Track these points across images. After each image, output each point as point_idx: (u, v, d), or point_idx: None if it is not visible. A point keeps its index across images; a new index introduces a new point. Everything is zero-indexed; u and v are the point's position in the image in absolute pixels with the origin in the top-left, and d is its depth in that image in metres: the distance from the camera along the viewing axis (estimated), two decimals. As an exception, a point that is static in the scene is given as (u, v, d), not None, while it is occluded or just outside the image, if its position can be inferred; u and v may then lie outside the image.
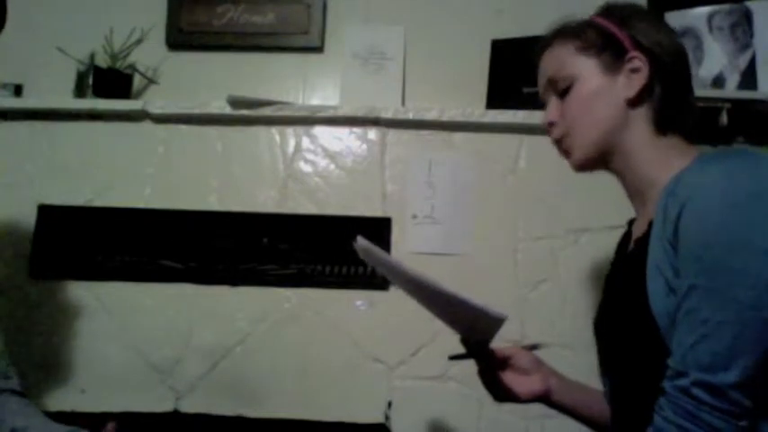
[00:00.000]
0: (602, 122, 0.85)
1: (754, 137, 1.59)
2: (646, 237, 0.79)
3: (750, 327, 0.65)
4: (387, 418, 1.51)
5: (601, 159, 0.88)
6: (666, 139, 0.84)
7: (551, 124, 0.90)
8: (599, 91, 0.85)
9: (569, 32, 0.89)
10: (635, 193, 0.88)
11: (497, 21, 1.75)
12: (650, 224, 0.78)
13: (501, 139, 1.62)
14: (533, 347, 1.03)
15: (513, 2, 1.77)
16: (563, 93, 0.88)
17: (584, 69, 0.86)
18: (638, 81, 0.83)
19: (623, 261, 0.91)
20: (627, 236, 0.94)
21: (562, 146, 0.91)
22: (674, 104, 0.85)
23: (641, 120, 0.84)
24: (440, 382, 1.52)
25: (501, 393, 0.97)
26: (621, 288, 0.86)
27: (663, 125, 0.84)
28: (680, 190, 0.73)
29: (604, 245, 1.55)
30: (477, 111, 1.62)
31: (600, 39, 0.86)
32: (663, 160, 0.82)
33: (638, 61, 0.83)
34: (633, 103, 0.84)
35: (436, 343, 1.50)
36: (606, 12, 0.89)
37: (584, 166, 0.90)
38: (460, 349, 0.97)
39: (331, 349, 1.55)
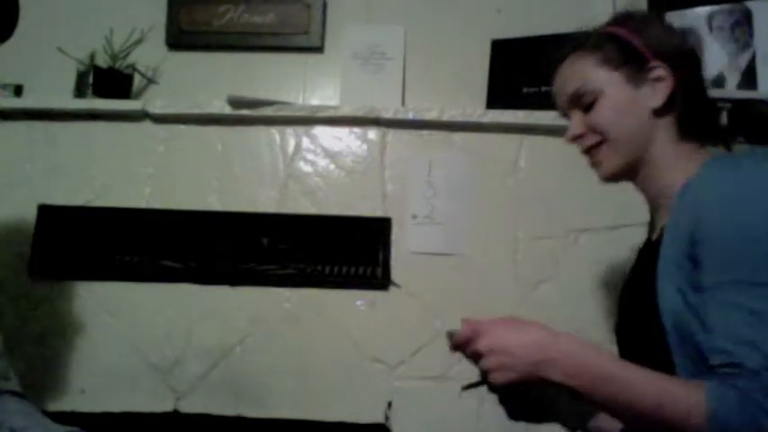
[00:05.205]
0: (633, 135, 0.86)
1: (754, 137, 1.59)
2: (658, 242, 0.80)
3: None
4: (387, 418, 1.51)
5: (630, 171, 0.88)
6: (688, 144, 0.85)
7: (578, 137, 0.90)
8: (626, 104, 0.85)
9: (588, 46, 0.88)
10: (654, 200, 0.89)
11: (497, 21, 1.75)
12: (662, 230, 0.80)
13: (501, 139, 1.62)
14: None
15: (513, 2, 1.77)
16: (588, 107, 0.88)
17: (609, 83, 0.86)
18: (664, 90, 0.84)
19: (639, 267, 0.91)
20: (648, 243, 0.94)
21: (592, 158, 0.91)
22: (696, 109, 0.85)
23: (666, 128, 0.85)
24: (440, 382, 1.52)
25: (516, 413, 0.97)
26: (634, 293, 0.87)
27: (687, 131, 0.85)
28: (692, 197, 0.75)
29: (604, 245, 1.55)
30: (478, 111, 1.61)
31: (620, 51, 0.86)
32: (681, 166, 0.82)
33: (661, 70, 0.84)
34: (659, 112, 0.85)
35: (436, 343, 1.50)
36: (620, 20, 0.89)
37: (614, 177, 0.90)
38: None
39: (331, 349, 1.55)
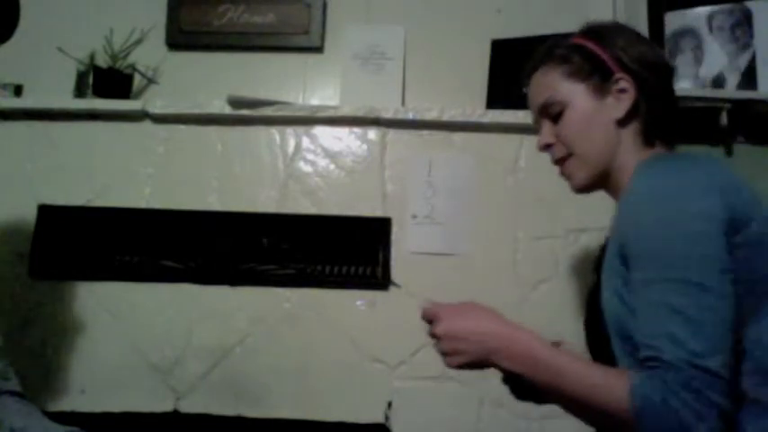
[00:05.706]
0: (599, 146, 0.89)
1: (754, 137, 1.59)
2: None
3: (723, 306, 0.69)
4: (387, 418, 1.51)
5: (600, 180, 0.92)
6: (652, 150, 0.88)
7: (548, 146, 0.94)
8: (591, 115, 0.88)
9: (556, 57, 0.92)
10: None
11: (497, 21, 1.75)
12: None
13: (501, 139, 1.62)
14: None
15: (513, 2, 1.77)
16: (556, 117, 0.92)
17: (575, 94, 0.89)
18: (627, 101, 0.87)
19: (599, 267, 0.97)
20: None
21: (563, 169, 0.95)
22: (660, 116, 0.88)
23: (631, 136, 0.88)
24: (440, 382, 1.52)
25: (520, 393, 1.00)
26: (593, 292, 0.93)
27: (650, 138, 0.88)
28: (622, 201, 0.80)
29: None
30: (478, 111, 1.62)
31: (586, 63, 0.89)
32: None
33: (625, 82, 0.87)
34: (622, 122, 0.88)
35: (436, 343, 1.50)
36: (588, 32, 0.92)
37: (586, 188, 0.94)
38: None
39: (331, 349, 1.55)
